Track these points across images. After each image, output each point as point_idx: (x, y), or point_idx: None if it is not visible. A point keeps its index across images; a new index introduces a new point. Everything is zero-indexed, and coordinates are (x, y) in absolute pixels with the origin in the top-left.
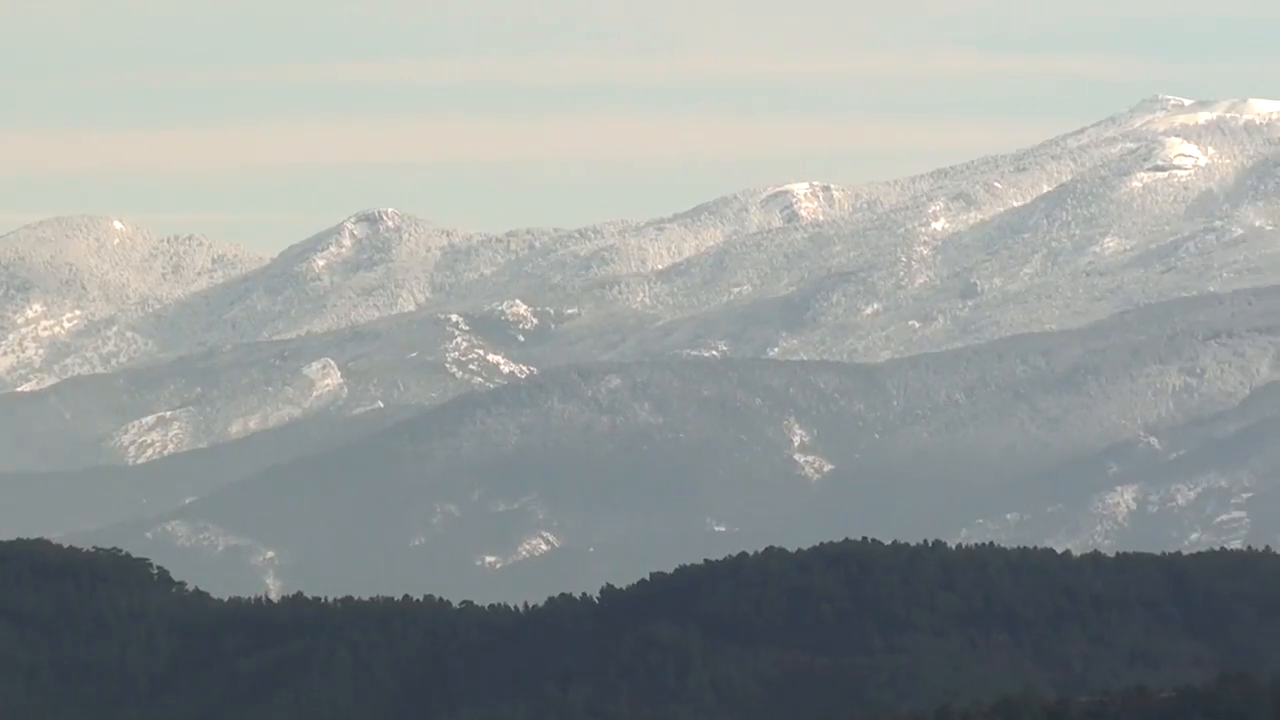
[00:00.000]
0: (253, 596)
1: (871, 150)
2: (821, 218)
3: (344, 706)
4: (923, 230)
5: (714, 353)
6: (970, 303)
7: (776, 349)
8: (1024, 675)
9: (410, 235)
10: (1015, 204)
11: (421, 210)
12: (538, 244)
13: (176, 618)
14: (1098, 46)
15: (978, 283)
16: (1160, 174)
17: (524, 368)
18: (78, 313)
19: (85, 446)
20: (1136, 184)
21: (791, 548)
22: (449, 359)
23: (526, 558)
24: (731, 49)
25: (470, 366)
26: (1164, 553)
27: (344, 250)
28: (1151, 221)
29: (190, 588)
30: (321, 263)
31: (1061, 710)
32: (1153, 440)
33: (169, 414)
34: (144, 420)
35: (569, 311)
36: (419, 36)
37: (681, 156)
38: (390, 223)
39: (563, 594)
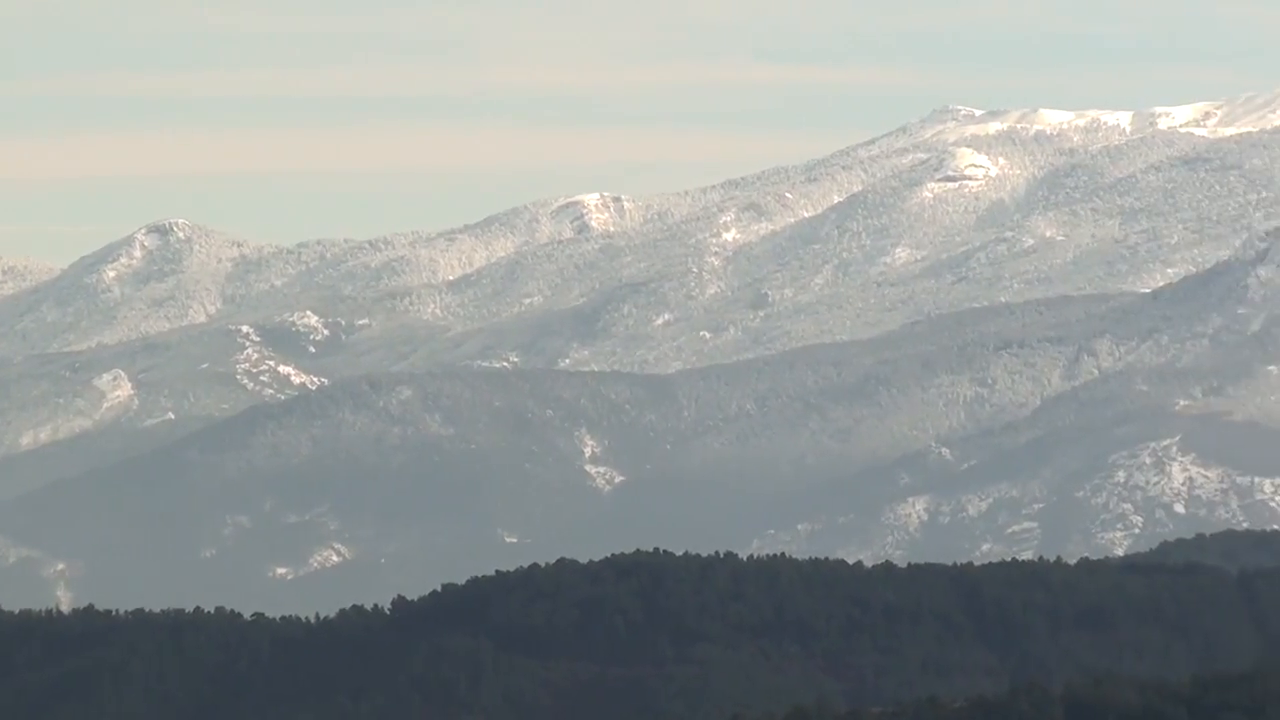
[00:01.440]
0: (43, 609)
1: (662, 161)
2: (612, 229)
3: (136, 719)
4: (713, 241)
5: (505, 364)
6: (761, 313)
7: (568, 360)
8: (816, 685)
9: (201, 246)
10: (806, 214)
11: (212, 221)
12: (328, 255)
13: None
14: (888, 57)
15: (769, 293)
16: (951, 184)
17: (315, 379)
18: None
19: None
20: (927, 194)
21: (583, 559)
22: (240, 370)
23: (318, 569)
24: (522, 61)
25: (261, 378)
26: (955, 563)
27: (135, 261)
28: (942, 232)
29: None
30: (112, 274)
31: None
32: (944, 451)
33: None
34: None
35: (360, 322)
36: (212, 49)
37: (472, 168)
38: (181, 234)
39: (354, 605)
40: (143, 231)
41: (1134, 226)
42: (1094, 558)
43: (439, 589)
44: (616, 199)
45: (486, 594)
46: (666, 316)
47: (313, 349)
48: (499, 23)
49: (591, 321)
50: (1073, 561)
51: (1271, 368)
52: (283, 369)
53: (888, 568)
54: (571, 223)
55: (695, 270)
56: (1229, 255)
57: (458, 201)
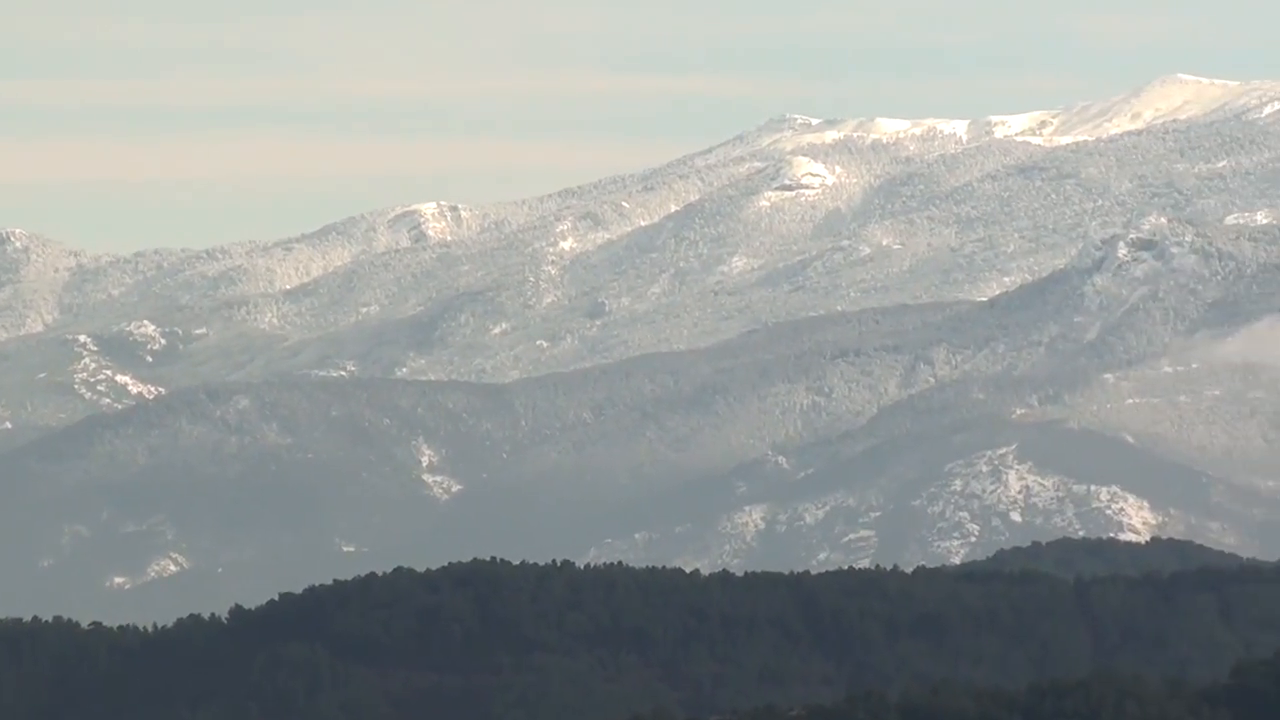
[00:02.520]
0: None
1: (499, 170)
2: (449, 238)
3: None
4: (550, 250)
5: (342, 373)
6: (598, 322)
7: (405, 369)
8: (653, 695)
9: (38, 256)
10: (643, 223)
11: (49, 231)
12: (166, 264)
13: None
14: (725, 66)
15: (606, 302)
16: (788, 193)
17: (152, 388)
18: None
19: None
20: (764, 203)
21: (420, 568)
22: (77, 379)
23: (155, 578)
24: (358, 70)
25: (99, 387)
26: (792, 572)
27: None
28: (779, 241)
29: None
30: None
31: None
32: (781, 459)
33: None
34: None
35: (197, 332)
36: (47, 58)
37: (309, 177)
38: (18, 243)
39: (192, 614)
40: None
41: (970, 235)
42: (931, 566)
43: (276, 598)
44: (453, 208)
45: (324, 603)
46: (503, 326)
47: (150, 358)
48: (335, 32)
49: (429, 330)
50: (909, 570)
51: (1108, 376)
52: (120, 378)
53: (725, 576)
54: (408, 232)
55: (532, 279)
56: (1065, 264)
57: (295, 211)
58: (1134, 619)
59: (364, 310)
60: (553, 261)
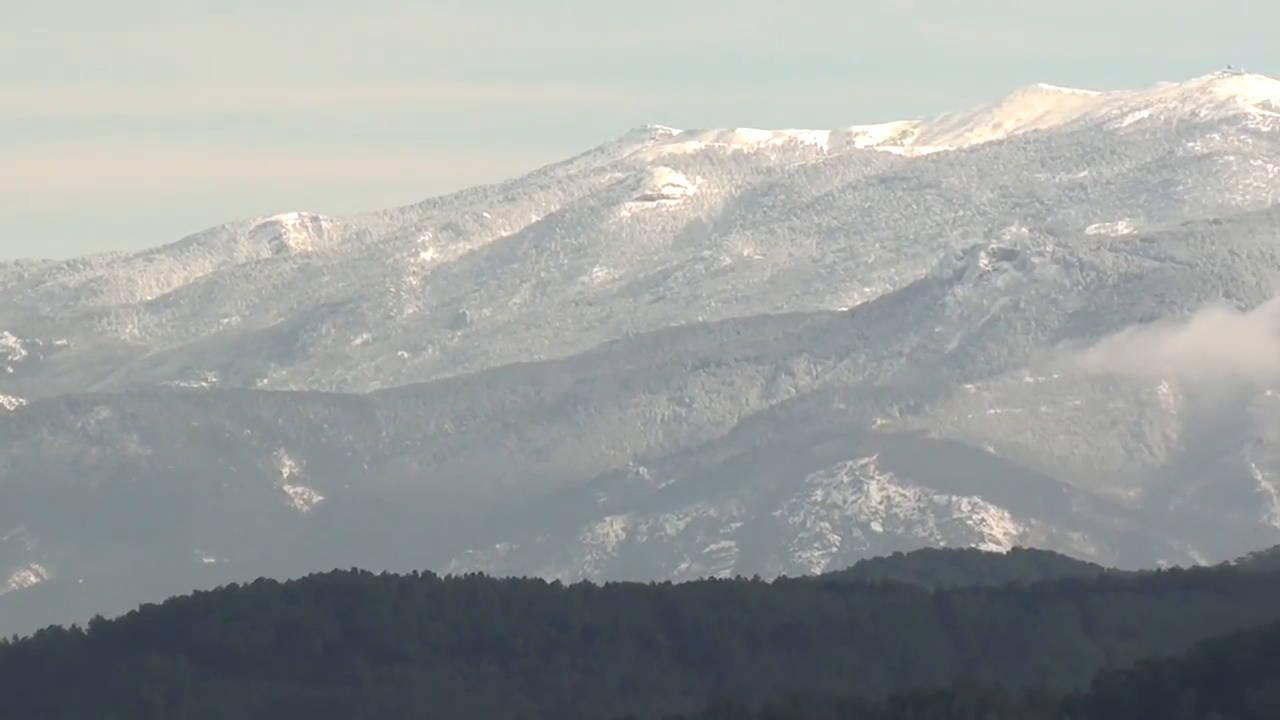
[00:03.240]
0: None
1: (360, 181)
2: (310, 248)
3: None
4: (412, 260)
5: (203, 384)
6: (459, 333)
7: (266, 380)
8: (514, 706)
9: None
10: (504, 234)
11: None
12: (26, 275)
13: None
14: (586, 77)
15: (467, 313)
16: (649, 203)
17: (13, 399)
18: None
19: None
20: (625, 214)
21: (281, 579)
22: None
23: (16, 590)
24: (219, 81)
25: None
26: (653, 582)
27: None
28: (640, 251)
29: None
30: None
31: None
32: (642, 470)
33: None
34: None
35: (58, 343)
36: None
37: (170, 187)
38: None
39: (52, 626)
40: None
41: (831, 245)
42: (792, 576)
43: (137, 609)
44: (314, 219)
45: (185, 614)
46: (365, 336)
47: (11, 369)
48: (197, 42)
49: (290, 341)
50: (770, 580)
51: (969, 386)
52: None
53: (586, 587)
54: (270, 242)
55: (393, 290)
56: (926, 274)
57: (156, 222)
58: (995, 629)
59: (225, 321)
60: (414, 272)
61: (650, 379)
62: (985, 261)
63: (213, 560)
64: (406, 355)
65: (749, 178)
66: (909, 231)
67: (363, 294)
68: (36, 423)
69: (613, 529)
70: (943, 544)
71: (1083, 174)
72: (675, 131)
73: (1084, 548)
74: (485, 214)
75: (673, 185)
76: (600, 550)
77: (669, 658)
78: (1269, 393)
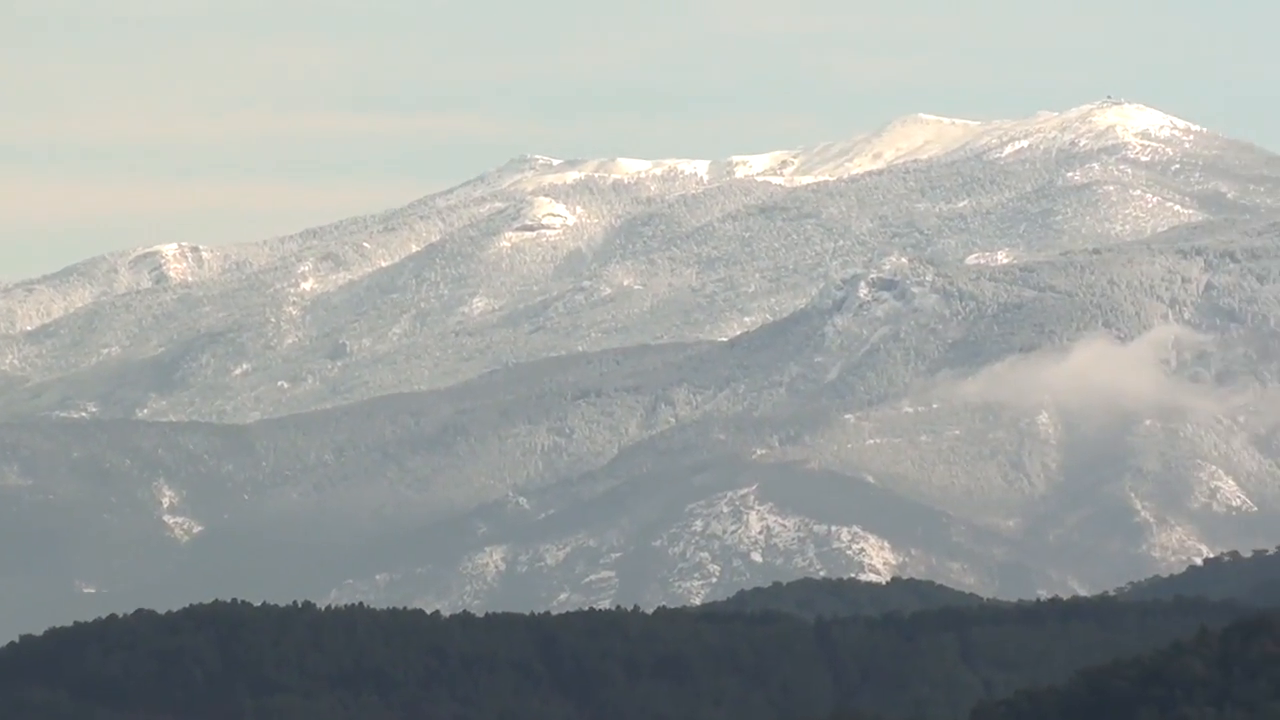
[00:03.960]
0: None
1: (240, 211)
2: (191, 279)
3: None
4: (292, 291)
5: (83, 414)
6: (339, 363)
7: (146, 410)
8: None
9: None
10: (384, 264)
11: None
12: None
13: None
14: (466, 106)
15: (347, 343)
16: (529, 233)
17: None
18: None
19: None
20: (505, 244)
21: (161, 609)
22: None
23: None
24: (102, 111)
25: None
26: (533, 612)
27: None
28: (520, 281)
29: None
30: None
31: None
32: (522, 500)
33: None
34: None
35: None
36: None
37: (50, 218)
38: None
39: None
40: None
41: (711, 275)
42: (672, 606)
43: (16, 640)
44: (195, 249)
45: (64, 645)
46: (245, 366)
47: None
48: (75, 72)
49: (170, 372)
50: (650, 610)
51: (848, 416)
52: None
53: (465, 617)
54: (150, 273)
55: (273, 320)
56: (806, 304)
57: (35, 252)
58: (875, 659)
59: (105, 351)
60: (294, 302)
61: (530, 409)
62: (865, 291)
63: (93, 590)
64: (286, 385)
65: (629, 208)
66: (789, 261)
67: (243, 324)
68: None
69: (492, 559)
70: (822, 574)
71: (962, 204)
72: (555, 161)
73: (963, 578)
74: (365, 244)
75: (553, 215)
76: (480, 580)
77: (549, 688)
78: (1148, 422)
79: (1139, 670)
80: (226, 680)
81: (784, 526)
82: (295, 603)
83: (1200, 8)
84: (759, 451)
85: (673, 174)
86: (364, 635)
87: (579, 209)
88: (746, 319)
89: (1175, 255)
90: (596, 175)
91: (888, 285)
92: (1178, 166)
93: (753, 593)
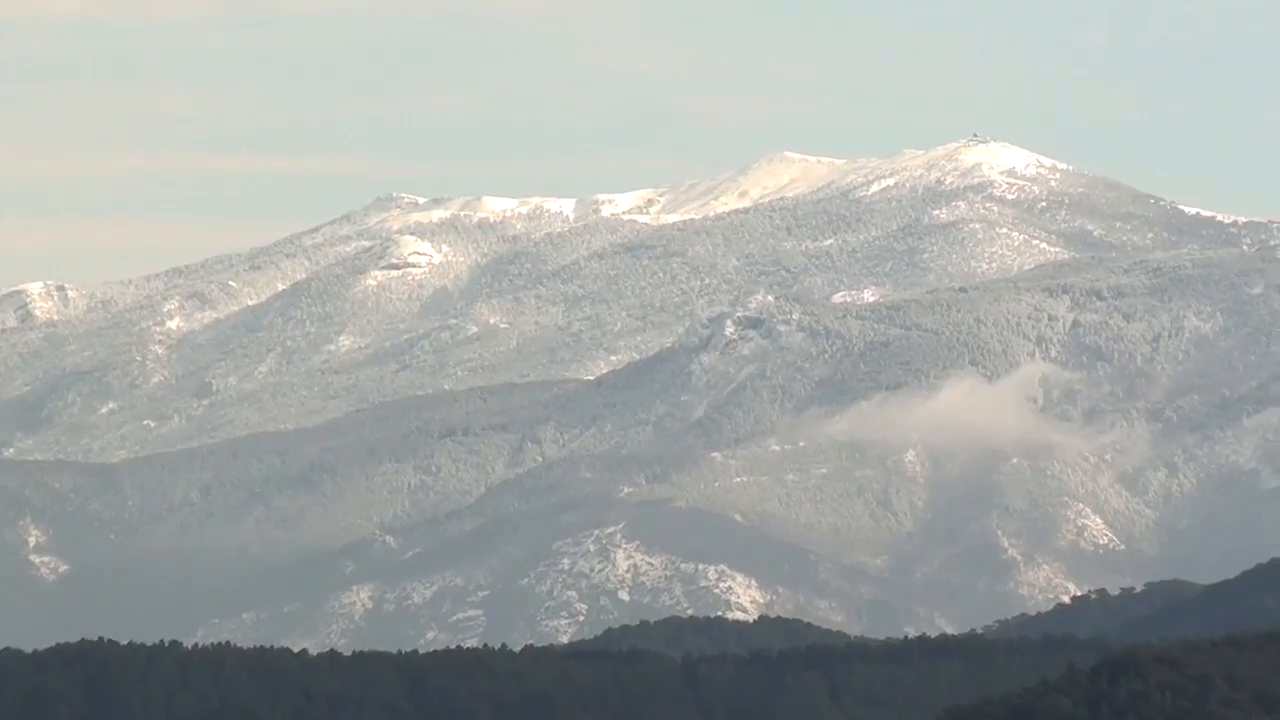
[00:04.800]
0: None
1: (106, 250)
2: (56, 317)
3: None
4: (158, 329)
5: None
6: (206, 402)
7: (12, 449)
8: None
9: None
10: (250, 303)
11: None
12: None
13: None
14: (332, 145)
15: (213, 382)
16: (395, 272)
17: None
18: None
19: None
20: (371, 282)
21: (28, 648)
22: None
23: None
24: None
25: None
26: (400, 651)
27: None
28: (386, 320)
29: None
30: None
31: None
32: (389, 539)
33: None
34: None
35: None
36: None
37: None
38: None
39: None
40: None
41: (578, 314)
42: (539, 645)
43: None
44: (60, 288)
45: None
46: (111, 405)
47: None
48: None
49: (36, 411)
50: (518, 649)
51: (715, 454)
52: None
53: (333, 656)
54: (15, 312)
55: (139, 359)
56: (672, 342)
57: None
58: (742, 697)
59: None
60: (160, 341)
61: (397, 447)
62: (731, 330)
63: None
64: (153, 424)
65: (495, 246)
66: (655, 300)
67: (109, 363)
68: None
69: (360, 598)
70: (690, 612)
71: (828, 242)
72: (421, 200)
73: (831, 616)
74: (231, 283)
75: (419, 254)
76: (347, 619)
77: None
78: (1015, 460)
79: (1007, 708)
80: (93, 719)
81: (651, 565)
82: (162, 641)
83: (1066, 47)
84: (626, 490)
85: (539, 212)
86: (231, 674)
87: (445, 247)
88: (613, 357)
89: (1042, 293)
90: (462, 214)
91: (754, 324)
92: (1044, 204)
93: (620, 631)
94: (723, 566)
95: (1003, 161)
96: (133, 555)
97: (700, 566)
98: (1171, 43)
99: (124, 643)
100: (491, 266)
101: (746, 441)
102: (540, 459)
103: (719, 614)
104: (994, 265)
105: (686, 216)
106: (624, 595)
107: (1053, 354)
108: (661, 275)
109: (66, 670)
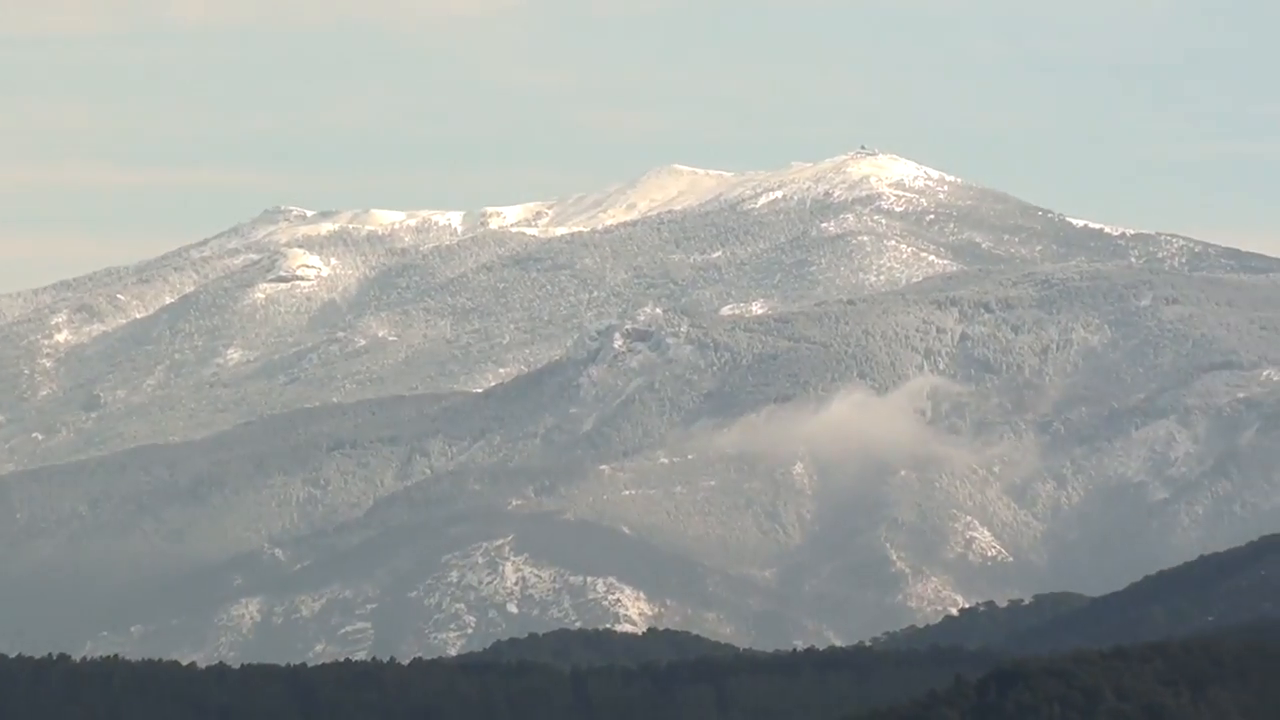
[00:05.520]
0: None
1: None
2: None
3: None
4: (46, 342)
5: None
6: (94, 415)
7: None
8: None
9: None
10: (138, 315)
11: None
12: None
13: None
14: (220, 158)
15: (101, 395)
16: (283, 285)
17: None
18: None
19: None
20: (260, 295)
21: None
22: None
23: None
24: None
25: None
26: (289, 664)
27: None
28: (275, 333)
29: None
30: None
31: None
32: (277, 551)
33: None
34: None
35: None
36: None
37: None
38: None
39: None
40: None
41: (466, 326)
42: (428, 658)
43: None
44: None
45: None
46: None
47: None
48: None
49: None
50: (406, 661)
51: (603, 467)
52: None
53: (221, 669)
54: None
55: (27, 372)
56: (561, 355)
57: None
58: (631, 710)
59: None
60: (48, 354)
61: (285, 460)
62: (620, 342)
63: None
64: (41, 437)
65: (383, 259)
66: (543, 312)
67: None
68: None
69: (248, 610)
70: (578, 625)
71: (717, 254)
72: (309, 213)
73: (720, 628)
74: (119, 295)
75: (307, 266)
76: (236, 632)
77: None
78: (903, 473)
79: None
80: None
81: (540, 577)
82: (50, 655)
83: (954, 59)
84: (514, 502)
85: (427, 225)
86: (120, 687)
87: (333, 260)
88: (501, 370)
89: (930, 306)
90: (350, 226)
91: (642, 336)
92: (932, 217)
93: (509, 644)
94: (611, 579)
95: (891, 174)
96: (21, 568)
97: (589, 579)
98: (1060, 55)
99: (12, 656)
100: (380, 279)
101: (635, 454)
102: (429, 471)
103: (607, 626)
104: (882, 278)
105: (575, 229)
106: (512, 608)
107: (941, 366)
108: (550, 288)
109: None
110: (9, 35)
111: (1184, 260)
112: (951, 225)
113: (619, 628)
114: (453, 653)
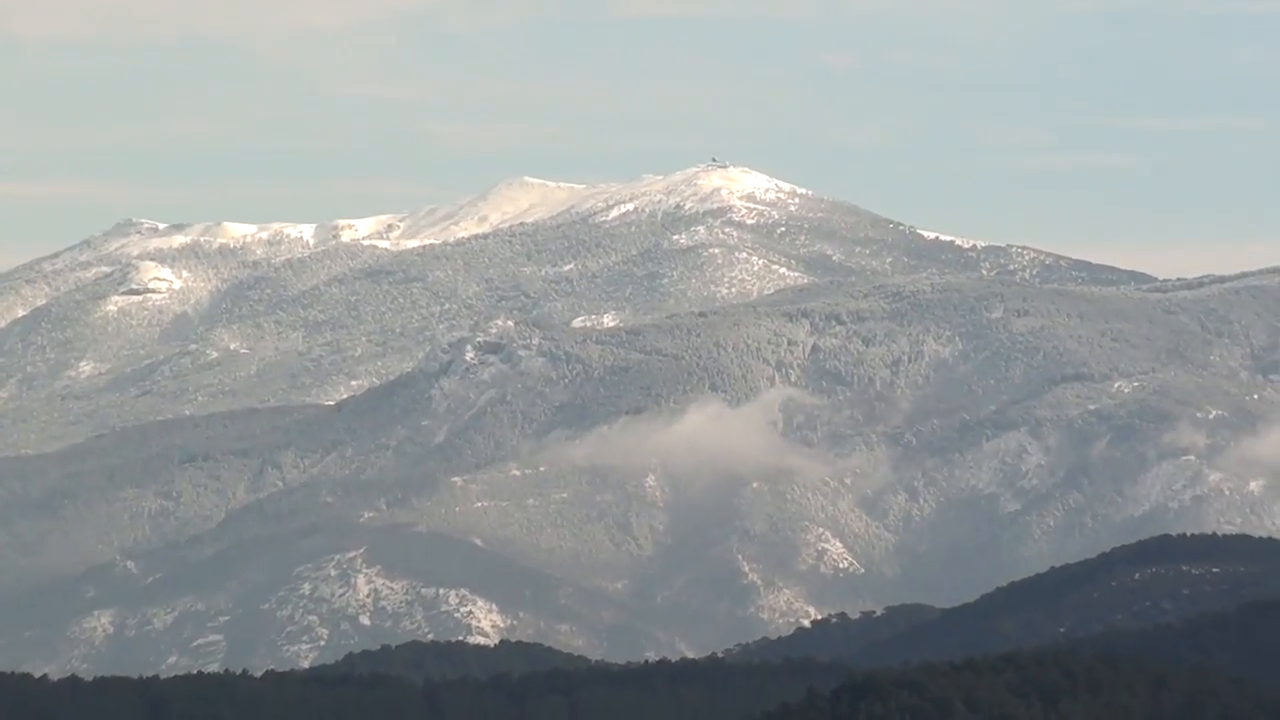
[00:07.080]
0: None
1: None
2: None
3: None
4: None
5: None
6: None
7: None
8: None
9: None
10: None
11: None
12: None
13: None
14: (71, 170)
15: None
16: (135, 297)
17: None
18: None
19: None
20: (111, 308)
21: None
22: None
23: None
24: None
25: None
26: (142, 676)
27: None
28: (127, 345)
29: None
30: None
31: None
32: (130, 564)
33: None
34: None
35: None
36: None
37: None
38: None
39: None
40: None
41: (318, 339)
42: (280, 669)
43: None
44: None
45: None
46: None
47: None
48: None
49: None
50: (259, 674)
51: (455, 479)
52: None
53: (74, 682)
54: None
55: None
56: (413, 367)
57: None
58: None
59: None
60: None
61: (137, 473)
62: (471, 355)
63: None
64: None
65: (235, 271)
66: (395, 325)
67: None
68: None
69: (101, 623)
70: (431, 637)
71: (568, 267)
72: (161, 226)
73: (572, 640)
74: None
75: (159, 279)
76: (88, 644)
77: None
78: (755, 485)
79: None
80: None
81: (392, 589)
82: None
83: (806, 72)
84: (367, 514)
85: (279, 238)
86: None
87: (185, 273)
88: (353, 382)
89: (782, 318)
90: (203, 239)
91: (494, 348)
92: (783, 229)
93: (361, 655)
94: (464, 591)
95: (742, 186)
96: None
97: (441, 591)
98: (912, 68)
99: None
100: (232, 292)
101: (487, 466)
102: (281, 484)
103: (460, 638)
104: (734, 290)
105: (426, 242)
106: (365, 620)
107: (793, 378)
108: (402, 300)
109: None
110: None
111: (1035, 272)
112: (803, 237)
113: (471, 640)
114: (305, 665)
